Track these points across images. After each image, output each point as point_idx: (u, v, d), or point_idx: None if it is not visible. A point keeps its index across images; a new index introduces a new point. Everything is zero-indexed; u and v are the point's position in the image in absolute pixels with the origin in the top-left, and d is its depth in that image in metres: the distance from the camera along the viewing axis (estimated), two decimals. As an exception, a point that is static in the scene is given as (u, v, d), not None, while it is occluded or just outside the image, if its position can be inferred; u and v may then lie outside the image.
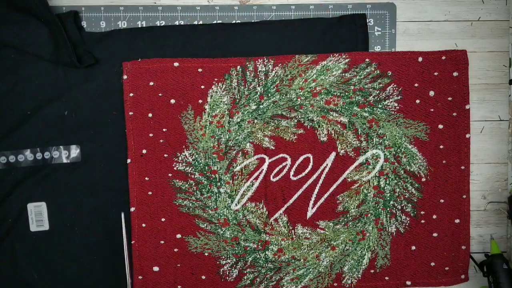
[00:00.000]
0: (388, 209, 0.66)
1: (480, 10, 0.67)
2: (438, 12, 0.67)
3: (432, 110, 0.65)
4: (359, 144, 0.66)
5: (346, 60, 0.65)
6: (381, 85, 0.65)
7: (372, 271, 0.67)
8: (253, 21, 0.66)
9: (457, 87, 0.65)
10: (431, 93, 0.65)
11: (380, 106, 0.65)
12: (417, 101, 0.65)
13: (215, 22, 0.66)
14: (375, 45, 0.66)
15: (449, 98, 0.65)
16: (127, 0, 0.66)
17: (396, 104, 0.65)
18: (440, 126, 0.65)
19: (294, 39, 0.65)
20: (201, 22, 0.66)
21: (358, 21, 0.65)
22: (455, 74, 0.65)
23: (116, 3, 0.66)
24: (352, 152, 0.66)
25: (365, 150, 0.66)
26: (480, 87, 0.68)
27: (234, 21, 0.66)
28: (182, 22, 0.66)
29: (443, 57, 0.65)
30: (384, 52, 0.66)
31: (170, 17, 0.66)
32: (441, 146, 0.65)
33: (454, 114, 0.65)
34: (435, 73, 0.65)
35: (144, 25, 0.66)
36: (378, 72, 0.65)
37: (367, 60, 0.65)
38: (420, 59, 0.65)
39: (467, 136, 0.66)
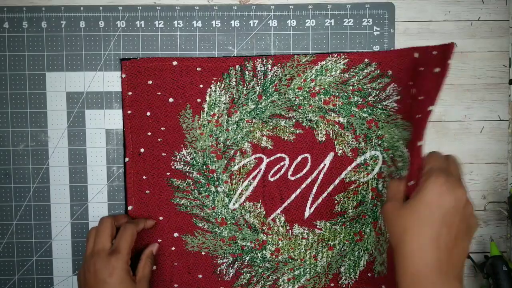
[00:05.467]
0: None
1: (480, 10, 0.67)
2: (438, 12, 0.67)
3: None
4: (357, 145, 0.65)
5: (345, 61, 0.65)
6: (381, 85, 0.65)
7: (369, 274, 0.66)
8: (252, 22, 0.66)
9: (431, 85, 0.56)
10: (413, 90, 0.61)
11: (380, 106, 0.65)
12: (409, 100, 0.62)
13: (213, 22, 0.66)
14: (374, 44, 0.66)
15: (421, 97, 0.58)
16: (126, -1, 0.66)
17: (395, 105, 0.64)
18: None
19: None
20: (200, 22, 0.66)
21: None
22: (436, 70, 0.56)
23: (115, 2, 0.66)
24: (350, 153, 0.66)
25: (363, 151, 0.65)
26: (480, 87, 0.67)
27: (233, 21, 0.66)
28: (181, 22, 0.66)
29: (434, 52, 0.60)
30: (383, 52, 0.65)
31: (169, 17, 0.66)
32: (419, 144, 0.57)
33: (418, 116, 0.57)
34: (421, 68, 0.61)
35: (142, 25, 0.66)
36: (378, 71, 0.65)
37: (366, 60, 0.65)
38: (416, 54, 0.63)
39: (419, 144, 0.54)
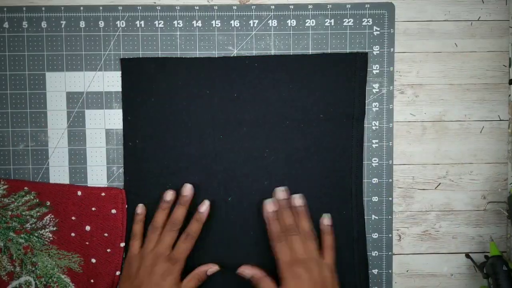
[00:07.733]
0: None
1: (480, 10, 0.67)
2: (438, 12, 0.67)
3: (87, 243, 0.66)
4: (13, 269, 0.66)
5: (5, 186, 0.65)
6: (39, 213, 0.66)
7: None
8: (252, 22, 0.66)
9: (114, 224, 0.66)
10: (87, 228, 0.66)
11: (36, 234, 0.65)
12: (73, 234, 0.66)
13: (213, 22, 0.66)
14: (374, 45, 0.66)
15: (105, 234, 0.66)
16: (126, -1, 0.66)
17: (51, 235, 0.66)
18: (93, 260, 0.66)
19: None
20: (200, 22, 0.66)
21: (359, 59, 0.65)
22: (113, 211, 0.66)
23: (115, 2, 0.66)
24: (6, 276, 0.66)
25: (18, 275, 0.66)
26: (480, 87, 0.67)
27: (232, 21, 0.66)
28: (180, 22, 0.66)
29: (103, 194, 0.66)
30: (45, 183, 0.66)
31: (169, 17, 0.66)
32: (92, 280, 0.66)
33: (108, 250, 0.66)
34: (93, 209, 0.66)
35: (142, 25, 0.66)
36: (37, 201, 0.65)
37: (26, 188, 0.65)
38: (79, 193, 0.66)
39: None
